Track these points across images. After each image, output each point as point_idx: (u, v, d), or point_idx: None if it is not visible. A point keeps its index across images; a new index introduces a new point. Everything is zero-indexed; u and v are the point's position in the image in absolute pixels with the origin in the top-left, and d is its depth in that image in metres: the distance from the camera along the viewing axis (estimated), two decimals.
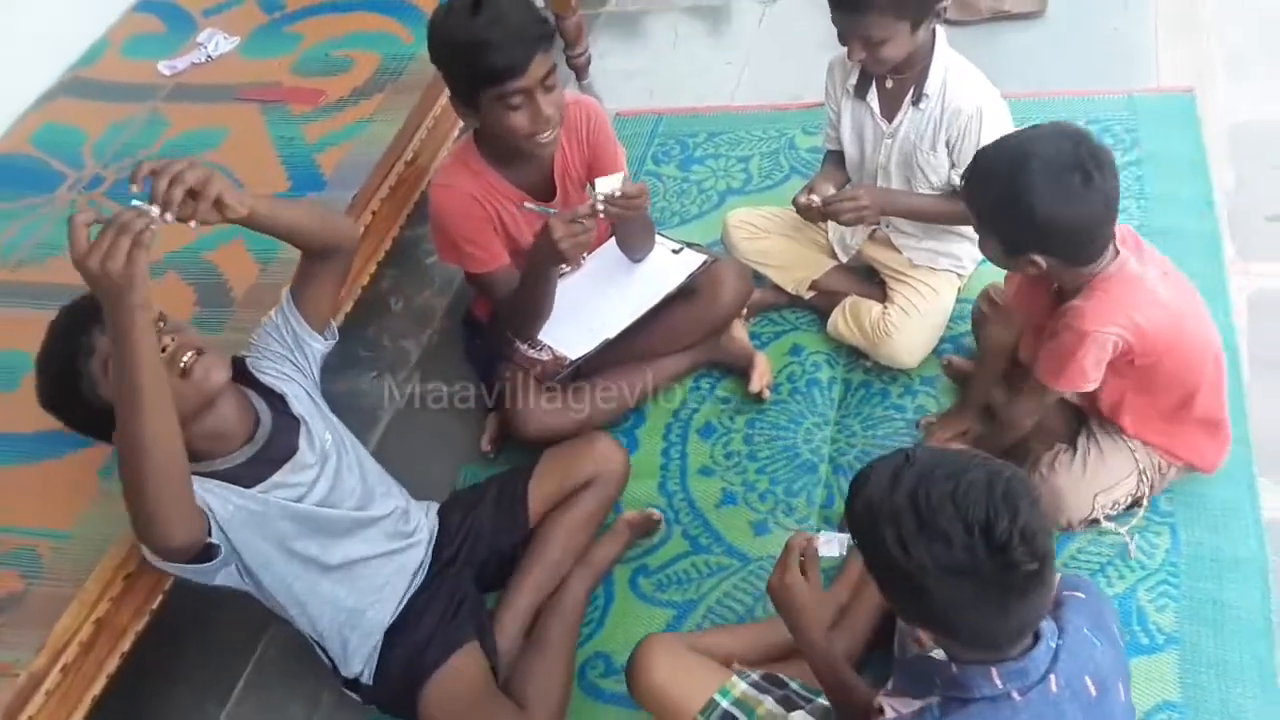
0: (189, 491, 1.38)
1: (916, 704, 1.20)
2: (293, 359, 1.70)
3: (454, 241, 2.01)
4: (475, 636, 1.75)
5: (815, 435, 2.09)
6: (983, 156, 1.61)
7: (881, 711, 1.23)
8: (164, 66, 2.56)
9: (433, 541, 1.85)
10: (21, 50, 2.57)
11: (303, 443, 1.63)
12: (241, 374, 1.66)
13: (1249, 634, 1.66)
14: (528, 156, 1.90)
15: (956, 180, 1.99)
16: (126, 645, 1.60)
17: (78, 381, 1.46)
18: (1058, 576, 1.20)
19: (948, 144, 1.99)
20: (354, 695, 1.79)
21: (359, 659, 1.74)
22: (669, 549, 1.98)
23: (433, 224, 2.04)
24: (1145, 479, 1.78)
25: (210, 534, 1.45)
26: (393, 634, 1.74)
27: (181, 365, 1.46)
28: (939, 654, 1.22)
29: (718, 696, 1.53)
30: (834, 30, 1.92)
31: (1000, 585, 1.08)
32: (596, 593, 1.93)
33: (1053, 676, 1.16)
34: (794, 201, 2.06)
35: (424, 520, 1.86)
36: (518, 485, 1.91)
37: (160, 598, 1.67)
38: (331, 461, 1.67)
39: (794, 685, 1.55)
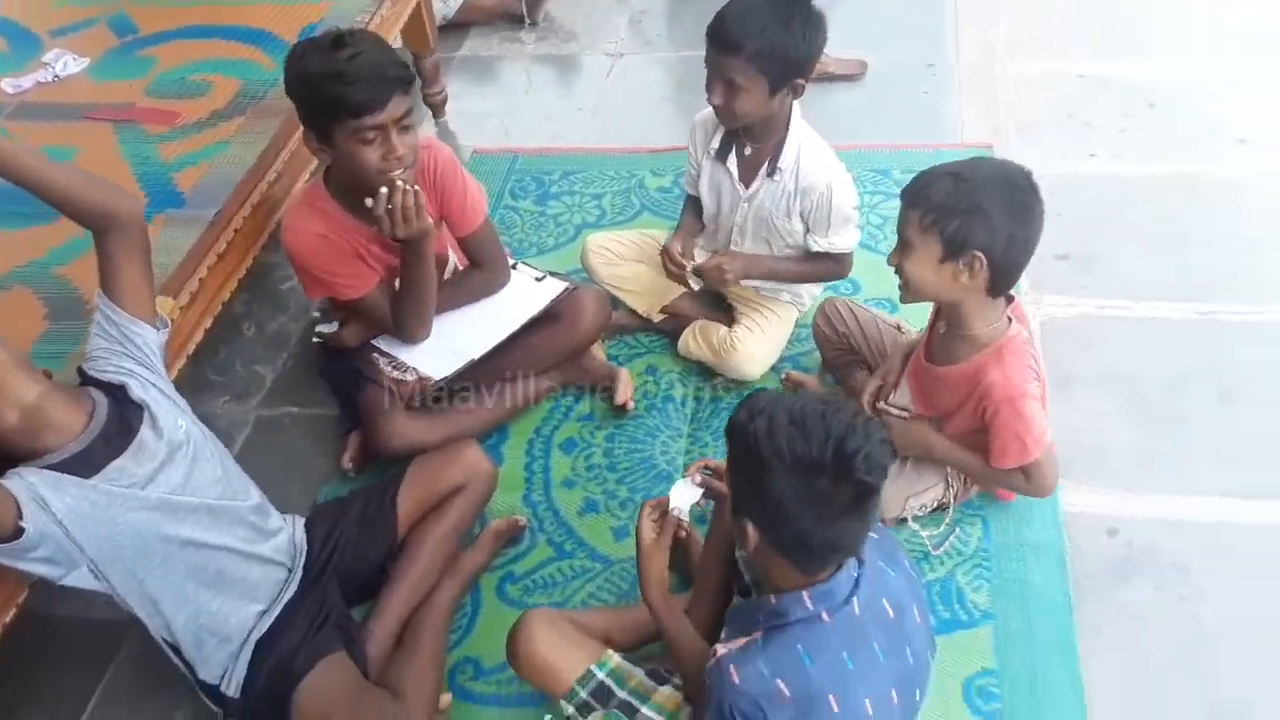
0: None
1: (743, 640, 1.36)
2: (126, 351, 1.67)
3: (318, 278, 2.06)
4: (342, 647, 1.76)
5: (671, 447, 2.22)
6: (932, 174, 1.71)
7: (715, 655, 1.37)
8: (7, 84, 2.49)
9: (302, 556, 1.85)
10: None
11: (145, 428, 1.61)
12: (83, 379, 1.65)
13: (1052, 608, 1.89)
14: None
15: (813, 245, 2.20)
16: None
17: None
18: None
19: (802, 215, 2.18)
20: (215, 708, 1.77)
21: (216, 664, 1.72)
22: (535, 556, 2.06)
23: (294, 265, 2.09)
24: (950, 488, 2.00)
25: (22, 518, 1.43)
26: (261, 647, 1.73)
27: None
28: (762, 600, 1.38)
29: (594, 668, 1.63)
30: (675, 84, 2.10)
31: (832, 492, 1.25)
32: (464, 601, 1.98)
33: (855, 600, 1.34)
34: (662, 253, 2.23)
35: (287, 528, 1.86)
36: (385, 496, 1.94)
37: (14, 611, 1.60)
38: (185, 450, 1.66)
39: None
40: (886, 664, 1.36)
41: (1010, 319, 1.80)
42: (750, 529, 1.33)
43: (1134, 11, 3.41)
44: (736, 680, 1.32)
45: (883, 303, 2.43)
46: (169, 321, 1.76)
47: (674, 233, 2.33)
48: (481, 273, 2.24)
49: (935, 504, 1.99)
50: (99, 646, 1.98)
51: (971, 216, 1.64)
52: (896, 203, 2.73)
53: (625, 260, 2.47)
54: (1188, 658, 1.83)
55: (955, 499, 2.00)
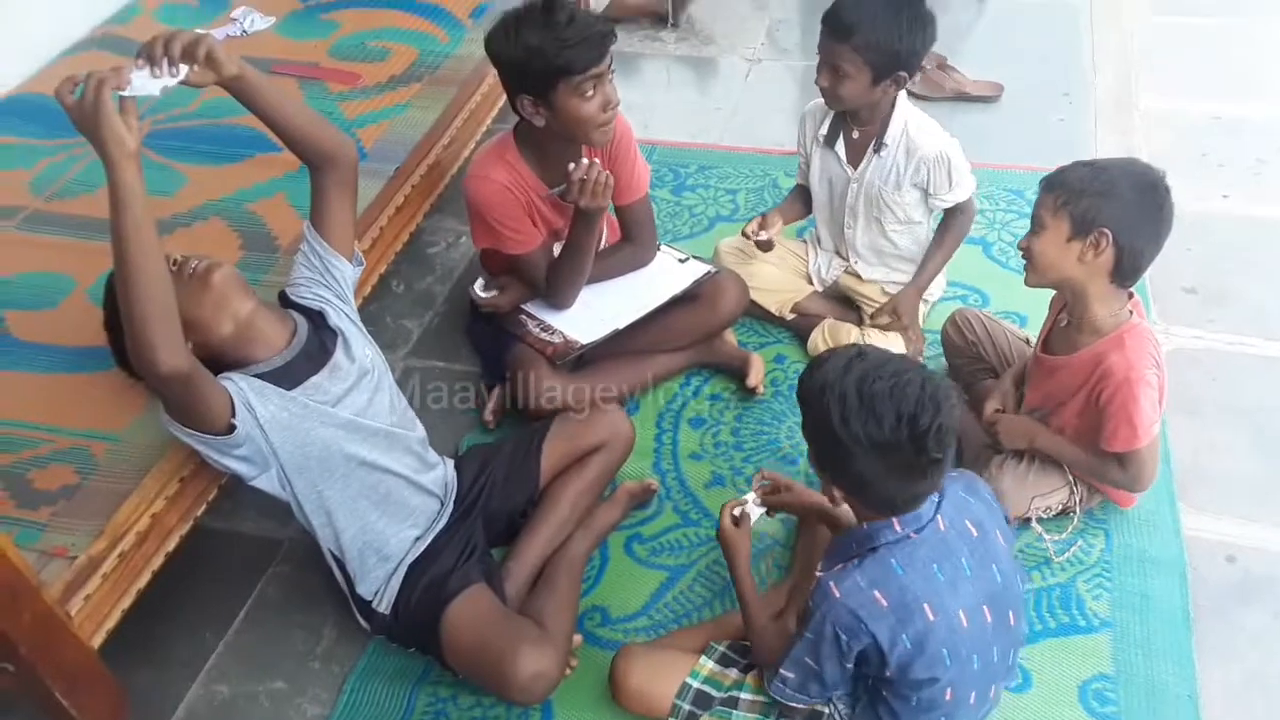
0: (173, 322, 1.44)
1: (841, 566, 1.47)
2: (324, 282, 1.81)
3: (492, 227, 2.19)
4: (484, 580, 1.87)
5: (797, 433, 2.29)
6: (1071, 164, 1.79)
7: (818, 579, 1.48)
8: None
9: (453, 492, 1.97)
10: (49, 3, 2.65)
11: (339, 351, 1.75)
12: (284, 303, 1.80)
13: (1170, 621, 1.92)
14: (576, 151, 2.08)
15: (941, 204, 2.31)
16: (172, 545, 1.67)
17: None
18: None
19: (919, 185, 2.28)
20: (364, 623, 1.89)
21: (374, 581, 1.84)
22: (661, 521, 2.15)
23: (471, 212, 2.22)
24: (1075, 493, 2.04)
25: (235, 416, 1.55)
26: (413, 570, 1.85)
27: (191, 270, 1.60)
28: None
29: (689, 679, 1.72)
30: (808, 92, 2.21)
31: (910, 465, 1.36)
32: (593, 555, 2.07)
33: (939, 517, 1.46)
34: (744, 231, 2.36)
35: (442, 465, 1.98)
36: (532, 445, 2.04)
37: (204, 506, 1.74)
38: (370, 377, 1.79)
39: None
40: (974, 579, 1.46)
41: (1132, 310, 1.85)
42: (835, 491, 1.45)
43: (1268, 55, 3.42)
44: (837, 594, 1.43)
45: (1011, 316, 2.48)
46: (363, 260, 1.89)
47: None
48: (632, 246, 2.35)
49: (1060, 507, 2.04)
50: (252, 560, 2.11)
51: (1102, 198, 1.72)
52: (1028, 222, 2.82)
53: (756, 260, 2.56)
54: None
55: (1080, 503, 2.04)
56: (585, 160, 2.00)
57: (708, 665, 1.74)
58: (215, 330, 1.61)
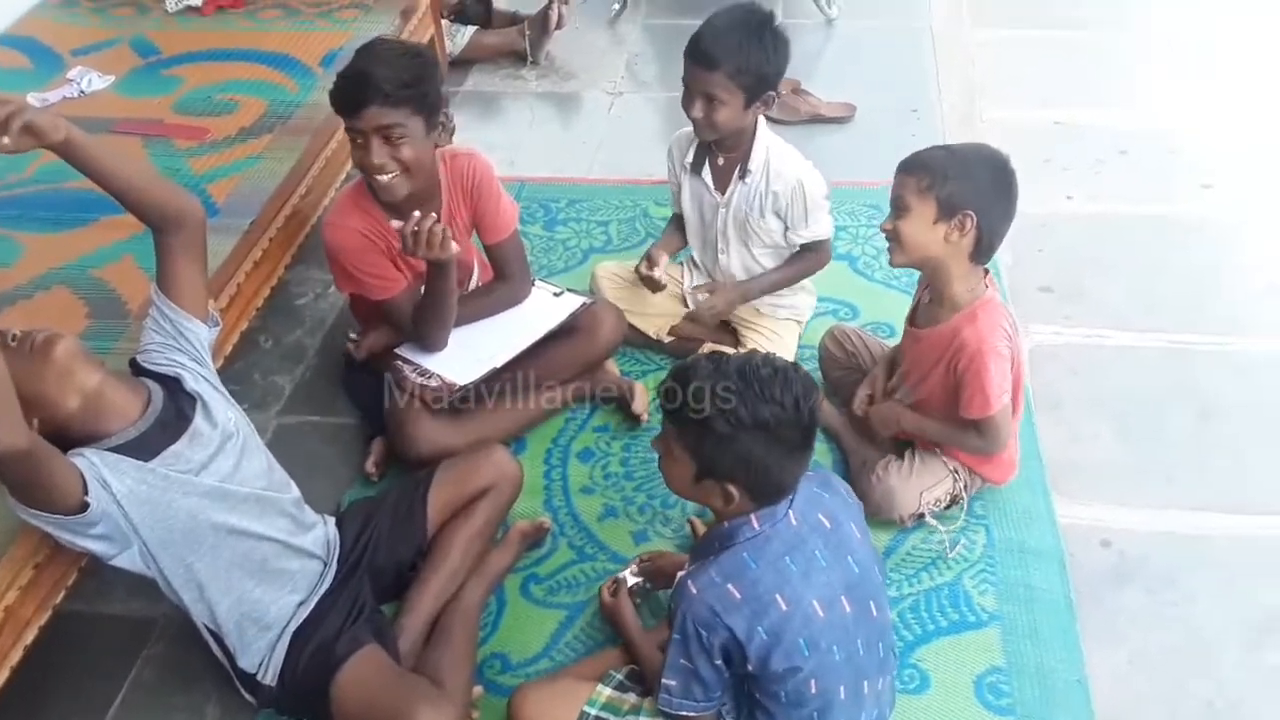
0: (7, 400, 1.33)
1: (699, 564, 1.53)
2: (178, 346, 1.73)
3: (352, 275, 2.15)
4: (375, 640, 1.80)
5: None
6: (925, 149, 1.91)
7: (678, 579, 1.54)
8: (34, 98, 2.54)
9: (335, 551, 1.90)
10: None
11: (199, 416, 1.67)
12: (136, 371, 1.72)
13: (1054, 609, 1.99)
14: (413, 200, 2.04)
15: (795, 239, 2.35)
16: (30, 637, 1.55)
17: None
18: None
19: (777, 213, 2.33)
20: (250, 697, 1.80)
21: (256, 652, 1.76)
22: (556, 558, 2.12)
23: (330, 259, 2.17)
24: (959, 479, 2.11)
25: (87, 493, 1.47)
26: (298, 636, 1.77)
27: (30, 344, 1.52)
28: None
29: (586, 707, 1.71)
30: (671, 122, 2.25)
31: (791, 444, 1.45)
32: (489, 601, 2.02)
33: (791, 513, 1.52)
34: (636, 270, 2.39)
35: (322, 525, 1.91)
36: (416, 495, 1.99)
37: (64, 593, 1.63)
38: (235, 440, 1.71)
39: None
40: (829, 569, 1.51)
41: (986, 285, 1.95)
42: (733, 490, 1.47)
43: (1102, 64, 3.65)
44: (694, 590, 1.47)
45: (881, 326, 2.55)
46: (219, 320, 1.82)
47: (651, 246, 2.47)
48: (505, 285, 2.33)
49: (948, 497, 2.10)
50: (125, 641, 1.99)
51: (965, 181, 1.83)
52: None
53: (633, 285, 2.57)
54: (1181, 657, 1.93)
55: (965, 489, 2.10)
56: (414, 214, 1.95)
57: (605, 692, 1.73)
58: (61, 405, 1.52)
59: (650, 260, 2.39)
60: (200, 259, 1.75)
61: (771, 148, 2.30)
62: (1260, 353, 2.54)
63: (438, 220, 1.96)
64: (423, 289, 2.16)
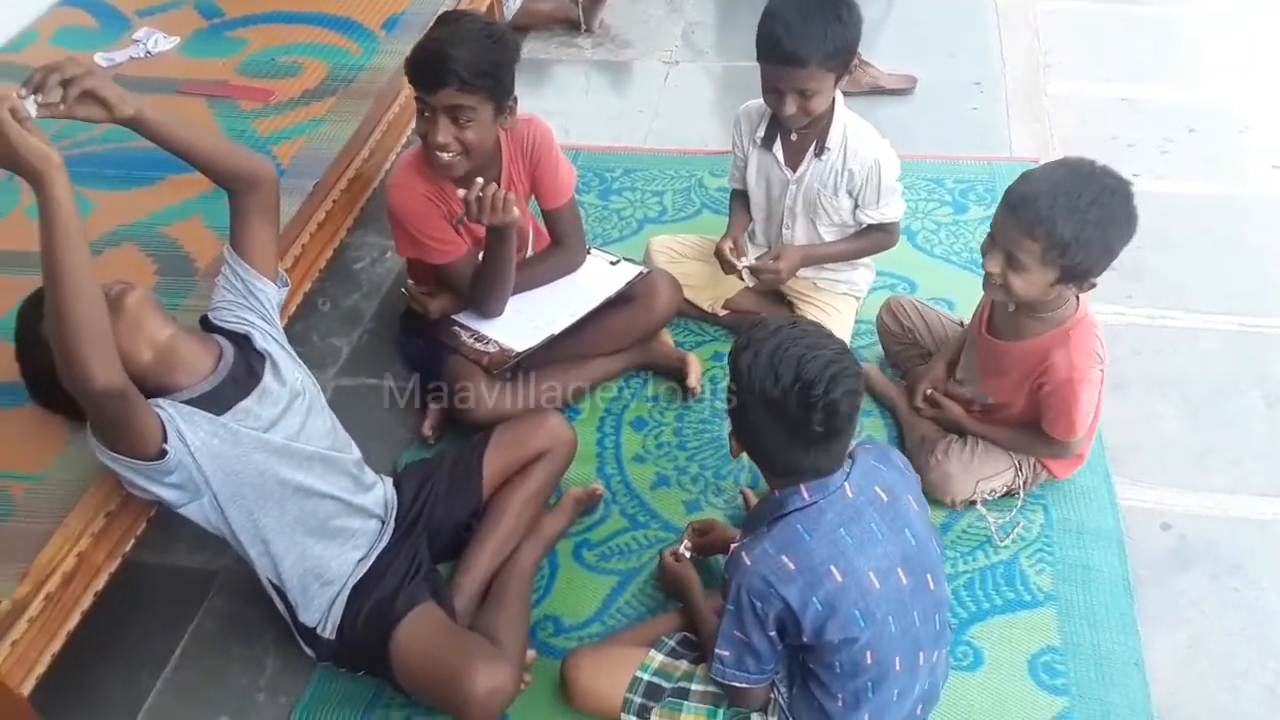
0: (107, 339, 1.39)
1: (753, 535, 1.53)
2: (249, 305, 1.76)
3: (414, 238, 2.15)
4: (432, 598, 1.82)
5: None
6: (1050, 198, 1.70)
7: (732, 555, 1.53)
8: (100, 58, 2.57)
9: (394, 511, 1.92)
10: None
11: (268, 374, 1.70)
12: (206, 328, 1.74)
13: (1112, 590, 1.96)
14: (476, 168, 2.05)
15: (865, 218, 2.30)
16: (100, 584, 1.59)
17: (43, 355, 1.47)
18: (856, 444, 1.55)
19: (850, 192, 2.28)
20: (309, 651, 1.83)
21: (317, 608, 1.79)
22: (609, 525, 2.13)
23: (392, 222, 2.18)
24: (1020, 474, 2.08)
25: (166, 440, 1.50)
26: (357, 592, 1.79)
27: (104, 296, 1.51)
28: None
29: (639, 672, 1.72)
30: (727, 92, 2.19)
31: (796, 430, 1.42)
32: (542, 565, 2.04)
33: (847, 485, 1.50)
34: (716, 254, 2.31)
35: (380, 485, 1.93)
36: (472, 457, 2.01)
37: (133, 541, 1.67)
38: (303, 400, 1.74)
39: None
40: (886, 541, 1.50)
41: (1078, 299, 1.88)
42: (743, 449, 1.53)
43: (1170, 39, 3.55)
44: (748, 562, 1.46)
45: (939, 301, 2.51)
46: (288, 281, 1.84)
47: (725, 233, 2.41)
48: (561, 251, 2.33)
49: (1005, 489, 2.07)
50: (188, 592, 2.04)
51: (1098, 252, 1.73)
52: (949, 210, 2.89)
53: (688, 259, 2.55)
54: (1244, 642, 1.90)
55: (1025, 485, 2.07)
56: (477, 180, 1.95)
57: (658, 658, 1.74)
58: (134, 357, 1.55)
59: (738, 248, 2.32)
60: (273, 220, 1.77)
61: (849, 125, 2.24)
62: None
63: (499, 187, 1.96)
64: (481, 255, 2.17)
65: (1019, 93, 3.32)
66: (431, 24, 1.97)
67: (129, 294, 1.56)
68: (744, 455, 2.00)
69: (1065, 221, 1.69)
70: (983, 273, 1.85)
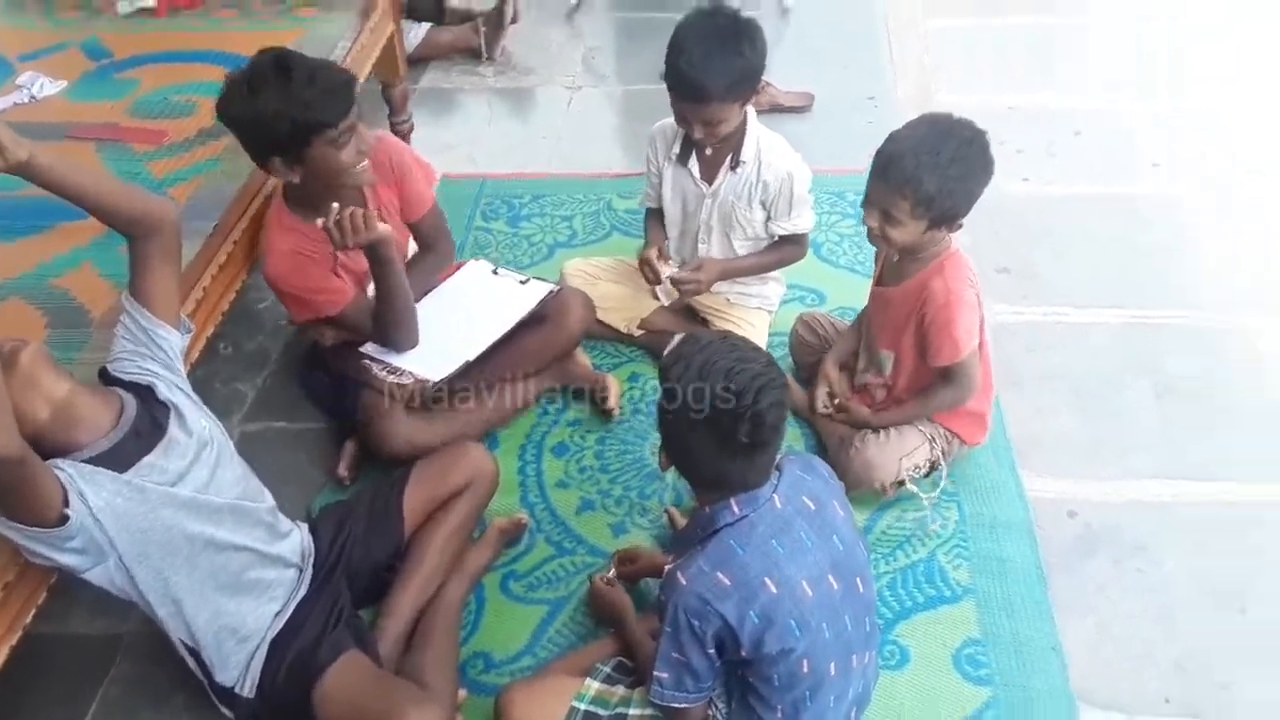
0: (1, 403, 1.33)
1: (686, 554, 1.53)
2: (150, 354, 1.71)
3: (300, 299, 2.14)
4: (355, 645, 1.79)
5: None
6: (912, 156, 1.84)
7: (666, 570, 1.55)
8: None
9: (310, 557, 1.88)
10: None
11: (173, 425, 1.65)
12: (106, 380, 1.68)
13: (1026, 580, 2.03)
14: (343, 195, 2.03)
15: (777, 230, 2.36)
16: (1, 659, 1.52)
17: None
18: (780, 456, 1.56)
19: (763, 203, 2.33)
20: (227, 712, 1.77)
21: (234, 665, 1.74)
22: (535, 555, 2.12)
23: (276, 292, 2.17)
24: (936, 445, 2.15)
25: (68, 505, 1.45)
26: (276, 646, 1.75)
27: None
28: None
29: (575, 702, 1.71)
30: (630, 115, 2.22)
31: (731, 439, 1.43)
32: (468, 600, 2.02)
33: (776, 496, 1.52)
34: (641, 264, 2.34)
35: (297, 531, 1.89)
36: (391, 495, 1.98)
37: (33, 613, 1.59)
38: (210, 450, 1.69)
39: None
40: (815, 549, 1.53)
41: (950, 238, 2.00)
42: (665, 459, 1.55)
43: (1052, 48, 3.73)
44: (684, 581, 1.48)
45: (847, 311, 2.58)
46: (191, 327, 1.80)
47: (645, 245, 2.44)
48: (433, 254, 2.35)
49: (927, 464, 2.14)
50: (90, 662, 1.96)
51: (958, 197, 1.87)
52: (851, 222, 2.96)
53: (602, 280, 2.57)
54: (1151, 619, 1.99)
55: (944, 456, 2.14)
56: (333, 205, 1.95)
57: (594, 686, 1.73)
58: (31, 417, 1.49)
59: (661, 253, 2.36)
60: (175, 264, 1.74)
61: (762, 138, 2.30)
62: (1214, 327, 2.61)
63: (352, 207, 1.96)
64: (373, 289, 2.15)
65: (911, 105, 3.42)
66: (268, 90, 1.91)
67: (22, 350, 1.51)
68: (669, 474, 2.07)
69: (929, 178, 1.84)
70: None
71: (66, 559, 1.51)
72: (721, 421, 1.42)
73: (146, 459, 1.58)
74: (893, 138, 1.92)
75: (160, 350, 1.71)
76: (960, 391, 2.07)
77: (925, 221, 1.90)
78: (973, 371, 2.05)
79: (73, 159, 1.80)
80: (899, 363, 2.12)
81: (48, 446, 1.51)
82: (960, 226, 1.96)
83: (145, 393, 1.66)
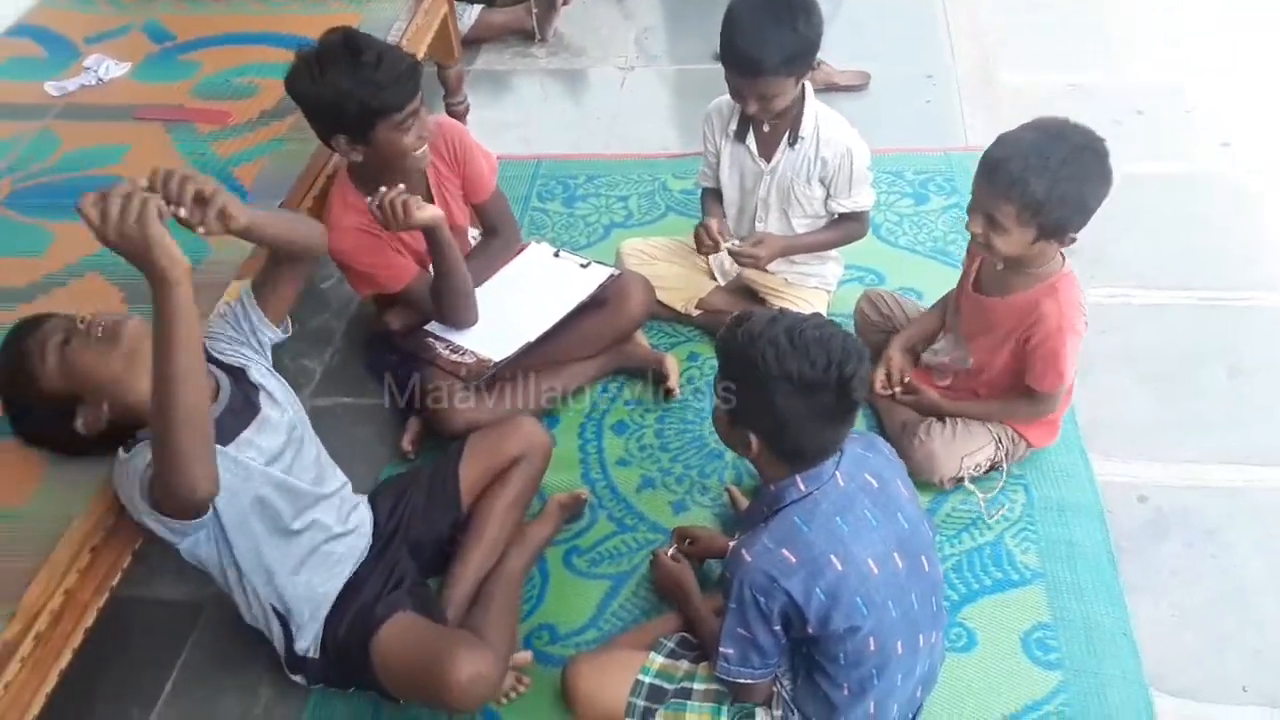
0: (211, 450, 1.42)
1: (751, 531, 1.54)
2: (248, 344, 1.76)
3: (362, 274, 2.17)
4: (414, 608, 1.80)
5: None
6: (1024, 160, 1.74)
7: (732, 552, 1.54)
8: (51, 87, 2.52)
9: (371, 526, 1.90)
10: None
11: (266, 405, 1.68)
12: None
13: (1096, 563, 2.00)
14: (406, 176, 2.05)
15: (837, 207, 2.33)
16: (90, 620, 1.55)
17: (33, 389, 1.50)
18: None
19: (822, 180, 2.31)
20: (298, 679, 1.81)
21: (310, 633, 1.77)
22: (597, 530, 2.13)
23: (340, 266, 2.20)
24: (1001, 446, 2.12)
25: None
26: (337, 606, 1.79)
27: (99, 328, 1.52)
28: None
29: (640, 675, 1.72)
30: (684, 95, 2.19)
31: (830, 409, 1.44)
32: (532, 573, 2.03)
33: (838, 473, 1.51)
34: (698, 230, 2.30)
35: (360, 506, 1.91)
36: (448, 469, 2.00)
37: (119, 575, 1.63)
38: (297, 431, 1.73)
39: None
40: (880, 527, 1.51)
41: (1062, 255, 1.92)
42: (753, 439, 1.50)
43: (1115, 24, 3.64)
44: (749, 558, 1.47)
45: (908, 291, 2.55)
46: (290, 329, 1.83)
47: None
48: (498, 238, 2.37)
49: (989, 463, 2.11)
50: (174, 626, 2.01)
51: (1074, 209, 1.77)
52: (910, 201, 2.93)
53: (658, 260, 2.56)
54: (1225, 605, 1.95)
55: (1007, 457, 2.11)
56: (381, 189, 1.97)
57: (658, 660, 1.74)
58: (133, 388, 1.51)
59: (719, 227, 2.29)
60: (302, 281, 1.79)
61: (820, 114, 2.27)
62: None
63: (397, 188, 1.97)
64: (432, 268, 2.17)
65: (971, 83, 3.38)
66: (337, 70, 1.92)
67: (125, 323, 1.53)
68: (728, 452, 2.06)
69: (1037, 182, 1.73)
70: (947, 261, 1.89)
71: (167, 530, 1.53)
72: (829, 390, 1.41)
73: (243, 434, 1.62)
74: (1001, 140, 1.81)
75: (259, 344, 1.76)
76: (1043, 407, 2.03)
77: (1033, 230, 1.79)
78: (1061, 394, 2.01)
79: (279, 212, 1.92)
80: (981, 371, 2.08)
81: (145, 421, 1.53)
82: (1073, 241, 1.83)
83: (238, 373, 1.69)
